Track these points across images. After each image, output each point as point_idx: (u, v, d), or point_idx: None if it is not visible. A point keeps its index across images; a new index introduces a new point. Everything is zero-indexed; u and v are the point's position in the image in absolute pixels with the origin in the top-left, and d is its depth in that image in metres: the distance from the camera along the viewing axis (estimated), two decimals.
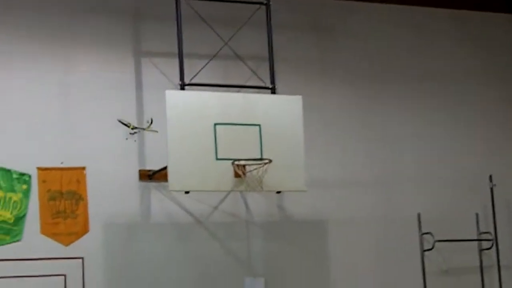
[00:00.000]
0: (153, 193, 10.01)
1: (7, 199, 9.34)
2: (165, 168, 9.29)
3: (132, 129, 9.82)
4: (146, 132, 9.94)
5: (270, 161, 9.27)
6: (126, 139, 9.88)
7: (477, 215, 11.46)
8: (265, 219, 10.52)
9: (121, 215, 9.82)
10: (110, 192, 9.79)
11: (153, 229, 9.99)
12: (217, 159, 9.25)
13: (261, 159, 9.31)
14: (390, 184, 11.26)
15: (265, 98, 9.80)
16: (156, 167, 9.79)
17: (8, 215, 9.33)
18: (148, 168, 9.95)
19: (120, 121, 9.78)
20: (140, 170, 9.96)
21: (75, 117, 9.83)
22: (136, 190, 9.95)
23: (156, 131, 9.78)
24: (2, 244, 9.27)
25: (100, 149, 9.84)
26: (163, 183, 9.68)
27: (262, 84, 10.03)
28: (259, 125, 9.49)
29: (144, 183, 9.96)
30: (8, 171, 9.37)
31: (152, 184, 9.98)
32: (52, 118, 9.73)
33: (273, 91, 9.96)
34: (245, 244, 10.36)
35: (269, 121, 9.57)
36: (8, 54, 9.69)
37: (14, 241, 9.33)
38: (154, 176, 9.87)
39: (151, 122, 9.85)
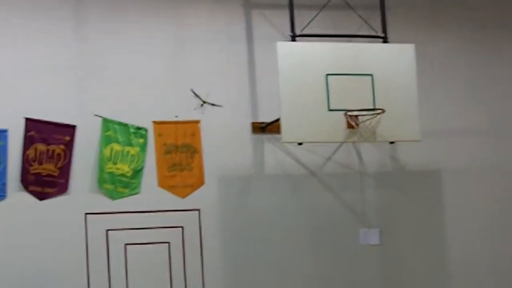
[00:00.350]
0: (266, 145, 10.08)
1: (125, 152, 9.56)
2: (277, 120, 9.32)
3: (203, 102, 9.84)
4: (258, 85, 10.05)
5: (383, 111, 9.16)
6: (194, 109, 9.87)
7: None
8: (378, 170, 10.45)
9: (235, 167, 9.94)
10: (224, 144, 9.90)
11: (266, 181, 10.07)
12: (329, 110, 9.22)
13: (374, 109, 9.21)
14: (505, 133, 10.97)
15: (377, 47, 9.67)
16: (268, 119, 9.84)
17: (126, 168, 9.56)
18: (260, 120, 10.02)
19: (192, 91, 9.79)
20: (253, 123, 10.03)
21: (188, 71, 9.94)
22: (249, 143, 10.04)
23: (219, 105, 9.86)
24: (121, 197, 9.52)
25: (213, 102, 9.92)
26: (275, 135, 9.73)
27: (373, 33, 9.88)
28: (371, 74, 9.38)
29: (257, 136, 10.04)
30: (125, 125, 9.58)
31: (265, 136, 10.04)
32: (166, 72, 9.88)
33: (385, 40, 9.80)
34: (358, 195, 10.33)
35: (381, 70, 9.44)
36: (120, 11, 9.84)
37: (133, 194, 9.57)
38: (267, 128, 9.93)
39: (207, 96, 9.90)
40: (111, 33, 9.74)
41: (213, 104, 9.81)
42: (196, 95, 9.79)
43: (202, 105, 9.80)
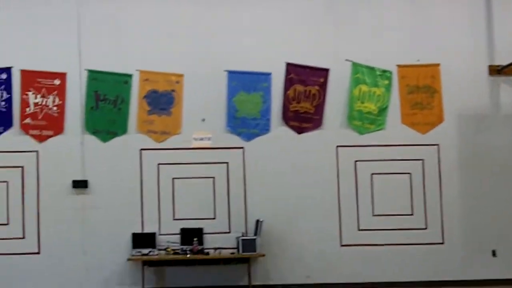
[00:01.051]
0: (502, 87, 10.66)
1: (371, 93, 10.62)
2: None
3: None
4: (496, 27, 10.58)
5: None
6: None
7: None
8: None
9: (472, 107, 10.62)
10: (462, 86, 10.61)
11: (502, 120, 10.67)
12: None
13: None
14: None
15: None
16: (505, 62, 10.43)
17: (372, 107, 10.63)
18: (497, 63, 10.58)
19: None
20: (489, 66, 10.62)
21: (428, 16, 10.70)
22: (486, 84, 10.67)
23: None
24: (368, 132, 10.62)
25: (452, 46, 10.64)
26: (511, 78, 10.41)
27: None
28: None
29: (493, 78, 10.64)
30: (372, 69, 10.62)
31: (501, 78, 10.62)
32: (408, 18, 10.69)
33: None
34: None
35: None
36: None
37: (378, 130, 10.63)
38: (503, 70, 10.49)
39: None
40: None
41: None
42: None
43: None
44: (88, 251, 10.15)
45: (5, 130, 10.22)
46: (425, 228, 10.47)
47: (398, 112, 10.64)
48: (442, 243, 10.46)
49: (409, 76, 10.65)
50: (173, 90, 10.45)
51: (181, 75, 10.44)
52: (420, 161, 10.57)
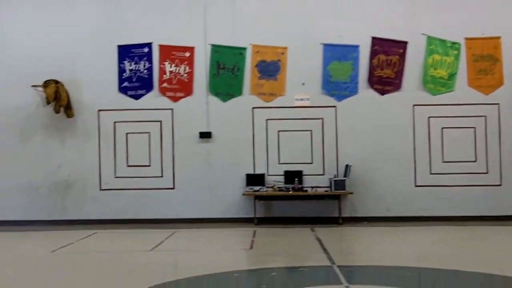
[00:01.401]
0: None
1: (443, 61, 12.60)
2: None
3: None
4: None
5: None
6: None
7: None
8: None
9: None
10: None
11: None
12: None
13: None
14: None
15: None
16: None
17: (443, 73, 12.62)
18: None
19: None
20: None
21: None
22: None
23: None
24: (440, 94, 12.60)
25: (510, 20, 12.45)
26: None
27: None
28: None
29: None
30: (443, 41, 12.60)
31: None
32: None
33: None
34: None
35: None
36: None
37: (448, 92, 12.60)
38: None
39: None
40: None
41: None
42: None
43: None
44: (212, 187, 12.63)
45: (147, 92, 12.76)
46: (486, 173, 12.40)
47: (465, 77, 12.51)
48: (500, 185, 12.40)
49: (474, 47, 12.53)
50: (279, 60, 12.61)
51: (285, 48, 12.57)
52: (483, 117, 12.44)
